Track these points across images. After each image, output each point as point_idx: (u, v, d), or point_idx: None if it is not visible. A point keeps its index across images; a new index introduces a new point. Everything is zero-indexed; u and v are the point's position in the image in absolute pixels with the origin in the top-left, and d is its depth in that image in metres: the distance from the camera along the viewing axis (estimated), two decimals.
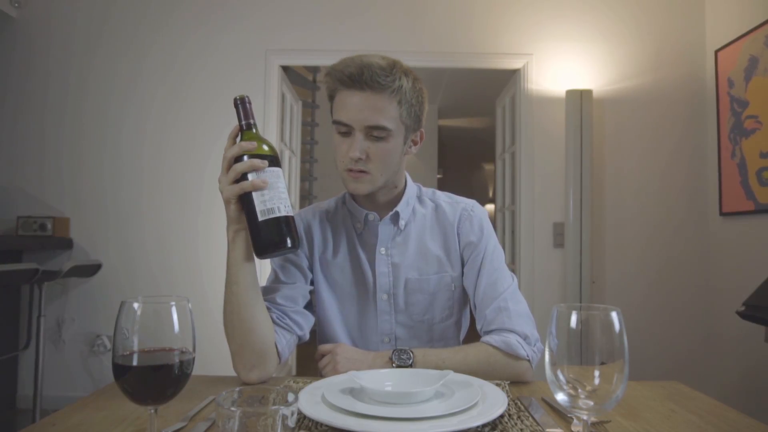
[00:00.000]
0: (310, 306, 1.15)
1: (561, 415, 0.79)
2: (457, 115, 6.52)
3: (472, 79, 4.95)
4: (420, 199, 1.20)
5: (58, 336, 3.12)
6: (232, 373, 1.00)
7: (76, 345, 3.13)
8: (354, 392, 0.81)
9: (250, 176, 0.88)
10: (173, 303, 0.62)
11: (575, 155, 3.00)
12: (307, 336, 1.11)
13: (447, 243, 1.16)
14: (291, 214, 0.90)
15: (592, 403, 0.58)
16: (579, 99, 3.02)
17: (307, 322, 1.10)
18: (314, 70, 4.60)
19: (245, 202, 0.89)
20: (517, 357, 1.01)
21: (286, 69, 3.41)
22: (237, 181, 0.89)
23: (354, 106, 1.01)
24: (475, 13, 3.19)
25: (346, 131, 1.03)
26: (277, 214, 0.87)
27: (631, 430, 0.75)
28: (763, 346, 2.28)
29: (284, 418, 0.49)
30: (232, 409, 0.49)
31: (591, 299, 2.99)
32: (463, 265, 1.15)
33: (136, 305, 0.61)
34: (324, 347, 1.04)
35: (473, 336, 1.08)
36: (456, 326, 1.18)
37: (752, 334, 2.53)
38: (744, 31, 2.79)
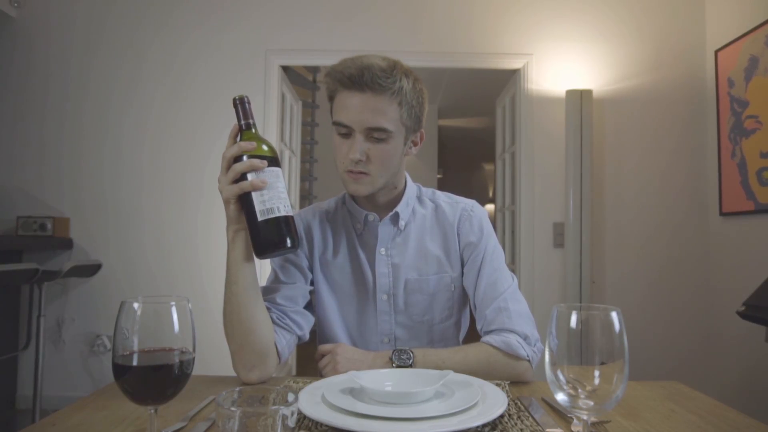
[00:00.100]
0: (310, 306, 1.15)
1: (561, 415, 0.79)
2: (457, 115, 6.52)
3: (472, 79, 4.95)
4: (420, 199, 1.20)
5: (58, 336, 3.12)
6: (232, 373, 1.00)
7: (76, 345, 3.13)
8: (354, 392, 0.81)
9: (249, 176, 0.88)
10: (173, 303, 0.62)
11: (575, 155, 3.00)
12: (307, 336, 1.11)
13: (447, 243, 1.16)
14: (290, 214, 0.90)
15: (592, 403, 0.58)
16: (579, 99, 3.02)
17: (306, 322, 1.10)
18: (314, 70, 4.60)
19: (245, 202, 0.89)
20: (517, 357, 1.01)
21: (286, 69, 3.41)
22: (236, 181, 0.89)
23: (354, 107, 1.01)
24: (475, 13, 3.19)
25: (347, 132, 1.03)
26: (277, 214, 0.87)
27: (631, 430, 0.75)
28: (763, 346, 2.28)
29: (284, 418, 0.49)
30: (232, 409, 0.49)
31: (591, 299, 2.99)
32: (462, 266, 1.15)
33: (136, 305, 0.61)
34: (324, 347, 1.04)
35: (473, 336, 1.08)
36: (456, 326, 1.18)
37: (752, 334, 2.53)
38: (744, 31, 2.79)
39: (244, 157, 0.89)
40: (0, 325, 3.00)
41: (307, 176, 5.02)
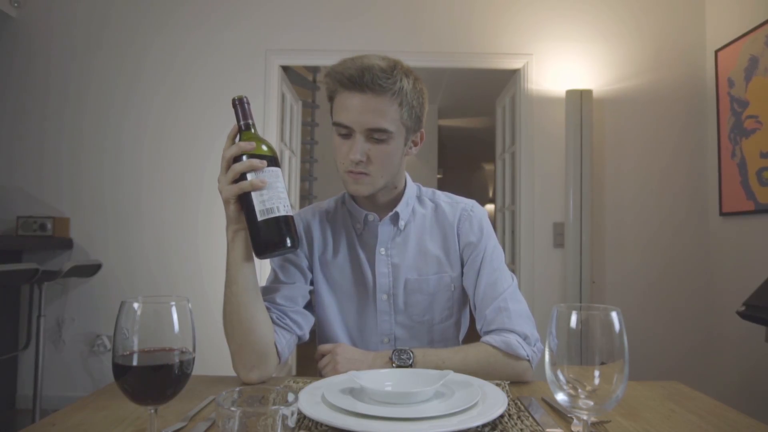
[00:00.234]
0: (309, 306, 1.15)
1: (561, 415, 0.79)
2: (457, 115, 6.52)
3: (472, 79, 4.95)
4: (420, 199, 1.20)
5: (58, 336, 3.12)
6: (232, 373, 1.00)
7: (76, 345, 3.13)
8: (354, 392, 0.81)
9: (249, 176, 0.88)
10: (173, 303, 0.62)
11: (575, 155, 3.00)
12: (307, 336, 1.11)
13: (446, 243, 1.16)
14: (290, 213, 0.90)
15: (592, 403, 0.58)
16: (579, 99, 3.02)
17: (306, 322, 1.10)
18: (314, 70, 4.60)
19: (244, 202, 0.89)
20: (517, 357, 1.01)
21: (286, 69, 3.41)
22: (236, 181, 0.89)
23: (354, 108, 1.00)
24: (475, 13, 3.19)
25: (347, 133, 1.03)
26: (276, 214, 0.87)
27: (631, 430, 0.75)
28: (763, 346, 2.28)
29: (284, 418, 0.49)
30: (232, 409, 0.49)
31: (591, 299, 2.99)
32: (462, 266, 1.15)
33: (136, 305, 0.61)
34: (324, 347, 1.04)
35: (473, 336, 1.08)
36: (456, 326, 1.18)
37: (752, 334, 2.53)
38: (744, 31, 2.79)
39: (244, 157, 0.89)
40: (0, 325, 3.00)
41: (307, 176, 5.02)
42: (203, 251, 3.10)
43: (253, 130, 0.92)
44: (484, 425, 0.73)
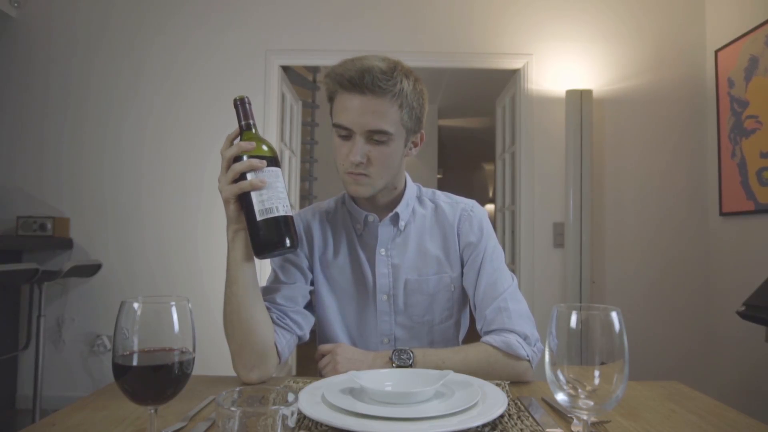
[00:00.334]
0: (310, 306, 1.15)
1: (561, 415, 0.79)
2: (457, 115, 6.52)
3: (472, 79, 4.95)
4: (420, 199, 1.20)
5: (58, 336, 3.12)
6: (232, 373, 1.00)
7: (76, 345, 3.13)
8: (354, 392, 0.81)
9: (248, 176, 0.88)
10: (173, 303, 0.62)
11: (575, 155, 3.00)
12: (307, 336, 1.11)
13: (446, 243, 1.16)
14: (290, 214, 0.90)
15: (592, 403, 0.58)
16: (579, 99, 3.02)
17: (307, 322, 1.10)
18: (314, 70, 4.60)
19: (244, 202, 0.89)
20: (517, 357, 1.01)
21: (286, 69, 3.41)
22: (236, 181, 0.89)
23: (354, 109, 1.00)
24: (475, 13, 3.19)
25: (347, 134, 1.03)
26: (276, 214, 0.87)
27: (631, 430, 0.75)
28: (763, 346, 2.28)
29: (284, 418, 0.49)
30: (232, 409, 0.49)
31: (591, 299, 2.99)
32: (462, 266, 1.15)
33: (136, 305, 0.61)
34: (324, 347, 1.04)
35: (473, 336, 1.08)
36: (456, 327, 1.18)
37: (752, 334, 2.53)
38: (744, 31, 2.79)
39: (244, 157, 0.89)
40: (0, 325, 3.00)
41: (307, 176, 5.02)
42: (203, 251, 3.10)
43: (253, 131, 0.93)
44: (484, 425, 0.73)
